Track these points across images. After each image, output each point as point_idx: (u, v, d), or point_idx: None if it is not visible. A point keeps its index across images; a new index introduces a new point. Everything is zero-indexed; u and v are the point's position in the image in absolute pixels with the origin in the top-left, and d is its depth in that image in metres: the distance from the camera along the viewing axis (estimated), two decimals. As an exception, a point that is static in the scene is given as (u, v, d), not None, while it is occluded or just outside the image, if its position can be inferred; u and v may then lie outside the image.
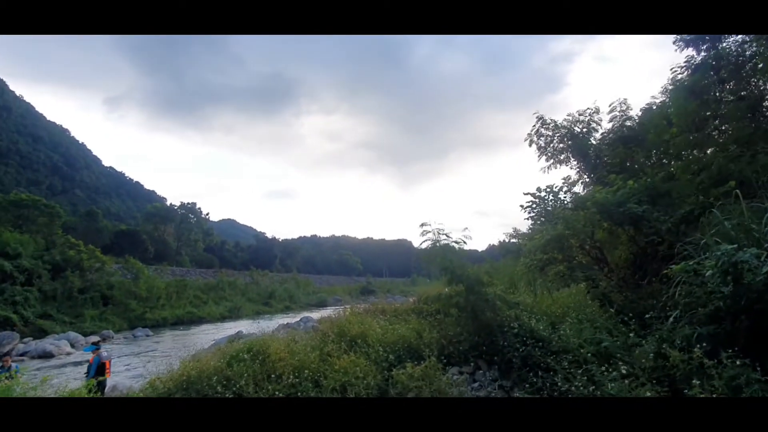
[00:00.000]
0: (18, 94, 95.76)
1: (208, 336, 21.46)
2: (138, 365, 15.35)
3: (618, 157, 10.81)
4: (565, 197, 9.49)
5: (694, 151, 9.13)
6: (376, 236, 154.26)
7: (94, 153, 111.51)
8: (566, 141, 12.48)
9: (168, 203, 72.33)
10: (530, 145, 12.91)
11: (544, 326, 6.97)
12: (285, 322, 19.78)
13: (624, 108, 11.89)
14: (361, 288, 61.16)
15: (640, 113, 11.79)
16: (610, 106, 11.97)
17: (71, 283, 26.68)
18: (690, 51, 9.69)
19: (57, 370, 15.10)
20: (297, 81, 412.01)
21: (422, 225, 8.01)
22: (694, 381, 3.97)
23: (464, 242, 7.91)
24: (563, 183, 10.68)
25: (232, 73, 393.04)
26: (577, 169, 12.56)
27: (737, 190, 5.74)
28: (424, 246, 8.06)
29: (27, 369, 14.72)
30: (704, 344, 4.35)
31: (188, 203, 64.55)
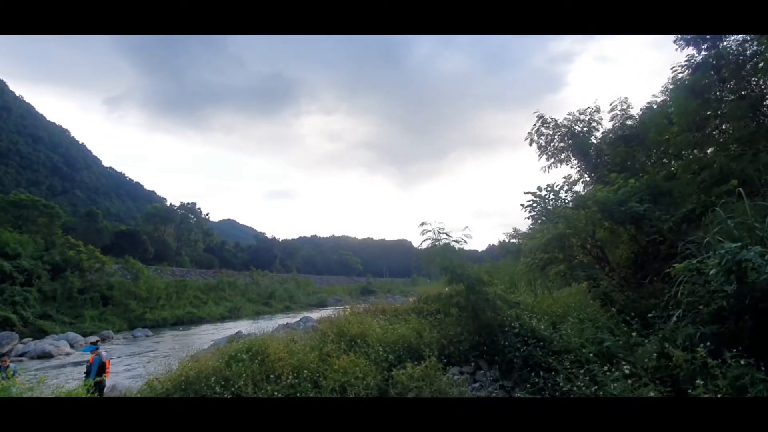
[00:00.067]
0: (18, 95, 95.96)
1: (208, 336, 21.41)
2: (137, 365, 15.30)
3: (619, 156, 10.78)
4: (565, 196, 9.44)
5: (695, 151, 9.09)
6: (376, 236, 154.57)
7: (94, 153, 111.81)
8: (567, 140, 12.46)
9: (168, 203, 72.40)
10: (531, 144, 12.88)
11: (545, 326, 6.93)
12: (285, 322, 19.73)
13: (625, 107, 11.87)
14: (361, 288, 61.12)
15: (640, 112, 11.78)
16: (610, 105, 11.97)
17: (71, 284, 26.66)
18: (690, 50, 9.66)
19: (56, 371, 15.03)
20: (297, 81, 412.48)
21: (422, 224, 7.98)
22: (698, 381, 3.92)
23: (464, 241, 7.88)
24: (564, 182, 10.63)
25: (231, 73, 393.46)
26: (578, 169, 12.54)
27: (740, 189, 5.70)
28: (424, 246, 8.02)
29: (25, 369, 14.69)
30: (708, 344, 4.30)
31: (188, 203, 64.57)
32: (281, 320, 24.38)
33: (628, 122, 11.70)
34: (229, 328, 23.77)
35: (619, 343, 5.62)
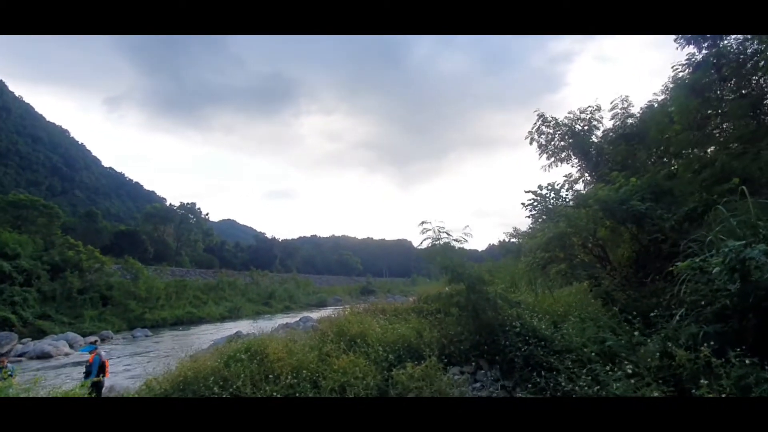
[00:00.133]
0: (17, 95, 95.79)
1: (208, 336, 21.37)
2: (136, 366, 15.26)
3: (620, 155, 10.74)
4: (566, 195, 9.40)
5: (695, 150, 9.06)
6: (376, 236, 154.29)
7: (94, 153, 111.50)
8: (567, 139, 12.42)
9: (168, 203, 72.37)
10: (531, 143, 12.84)
11: (546, 325, 6.88)
12: (284, 322, 19.70)
13: (625, 105, 11.84)
14: (361, 288, 61.07)
15: (641, 111, 11.74)
16: (611, 103, 11.94)
17: (70, 284, 26.61)
18: (691, 49, 9.64)
19: (55, 371, 15.00)
20: (296, 81, 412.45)
21: (422, 223, 7.94)
22: (701, 381, 3.87)
23: (465, 240, 7.84)
24: (565, 180, 10.59)
25: (231, 73, 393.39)
26: (579, 168, 12.50)
27: (743, 187, 5.65)
28: (424, 245, 7.99)
29: (22, 370, 14.64)
30: (711, 343, 4.25)
31: (188, 203, 64.52)
32: (281, 320, 24.34)
33: (629, 121, 11.67)
34: (229, 328, 23.72)
35: (621, 342, 5.57)
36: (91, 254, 29.64)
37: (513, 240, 18.45)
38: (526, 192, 9.25)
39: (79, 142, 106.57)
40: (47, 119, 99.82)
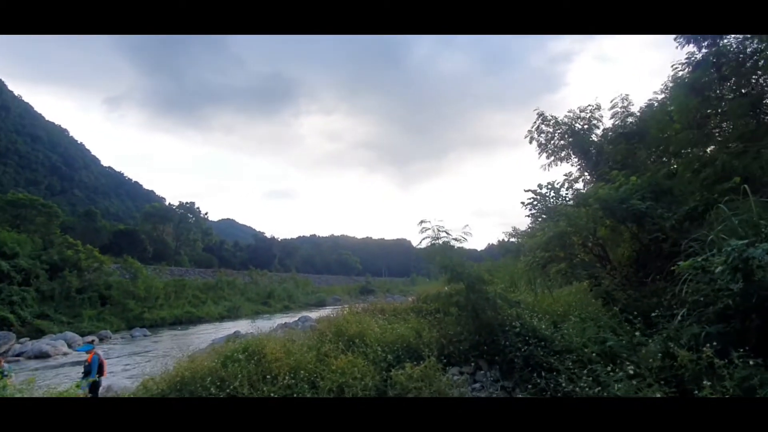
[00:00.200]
0: (17, 94, 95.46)
1: (207, 336, 21.33)
2: (134, 365, 15.21)
3: (620, 154, 10.70)
4: (566, 194, 9.36)
5: (694, 149, 9.02)
6: (376, 236, 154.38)
7: (93, 153, 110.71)
8: (567, 138, 12.39)
9: (167, 203, 72.31)
10: (531, 142, 12.81)
11: (546, 325, 6.84)
12: (283, 322, 19.65)
13: (626, 104, 11.80)
14: (361, 287, 61.06)
15: (640, 111, 11.70)
16: (611, 102, 11.89)
17: (69, 283, 26.56)
18: (691, 48, 9.59)
19: (53, 371, 14.95)
20: (296, 81, 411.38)
21: (421, 222, 7.89)
22: (704, 382, 3.82)
23: (464, 239, 7.79)
24: (565, 179, 10.55)
25: (231, 73, 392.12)
26: (578, 167, 12.47)
27: (745, 186, 5.60)
28: (423, 244, 7.94)
29: (20, 369, 14.58)
30: (714, 343, 4.20)
31: (187, 203, 64.49)
32: (280, 320, 24.29)
33: (629, 119, 11.63)
34: (228, 328, 23.68)
35: (622, 342, 5.52)
36: (90, 253, 29.58)
37: (512, 240, 18.43)
38: (525, 191, 9.22)
39: (79, 142, 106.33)
40: (46, 118, 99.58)
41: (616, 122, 11.89)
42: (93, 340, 19.20)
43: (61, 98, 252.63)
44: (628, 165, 10.19)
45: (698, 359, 4.26)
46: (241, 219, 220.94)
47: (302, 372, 5.99)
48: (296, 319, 23.23)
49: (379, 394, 5.83)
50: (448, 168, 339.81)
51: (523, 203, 9.26)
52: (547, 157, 12.66)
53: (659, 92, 11.32)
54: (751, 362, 3.86)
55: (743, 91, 8.52)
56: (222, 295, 38.77)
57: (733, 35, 8.61)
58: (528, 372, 6.05)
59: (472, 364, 6.77)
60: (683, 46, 9.70)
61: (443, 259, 7.42)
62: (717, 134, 9.02)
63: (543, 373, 5.80)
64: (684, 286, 5.20)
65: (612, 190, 7.65)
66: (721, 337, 4.42)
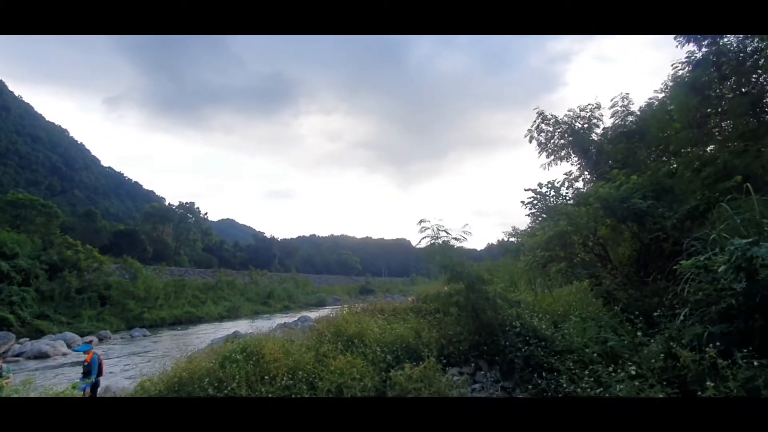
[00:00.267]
0: (17, 95, 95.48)
1: (206, 336, 21.29)
2: (133, 366, 15.17)
3: (620, 153, 10.66)
4: (566, 193, 9.31)
5: (694, 148, 8.98)
6: (375, 236, 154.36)
7: (93, 153, 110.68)
8: (567, 137, 12.35)
9: (167, 203, 72.26)
10: (530, 141, 12.77)
11: (546, 325, 6.79)
12: (283, 322, 19.61)
13: (626, 103, 11.75)
14: (360, 287, 61.02)
15: (641, 109, 11.65)
16: (611, 100, 11.85)
17: (69, 283, 26.51)
18: (691, 46, 9.55)
19: (52, 371, 14.91)
20: (296, 81, 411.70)
21: (421, 222, 7.84)
22: (708, 383, 3.77)
23: (464, 239, 7.74)
24: (565, 178, 10.50)
25: (231, 73, 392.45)
26: (578, 166, 12.43)
27: (748, 184, 5.55)
28: (423, 243, 7.89)
29: (20, 370, 14.54)
30: (717, 344, 4.15)
31: (187, 203, 64.45)
32: (279, 320, 24.26)
33: (629, 118, 11.58)
34: (228, 328, 23.64)
35: (623, 342, 5.46)
36: (90, 254, 29.54)
37: (512, 239, 18.36)
38: (526, 190, 9.17)
39: (79, 142, 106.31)
40: (47, 119, 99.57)
41: (617, 121, 11.85)
42: (91, 341, 19.18)
43: (61, 98, 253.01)
44: (628, 164, 10.14)
45: (701, 360, 4.20)
46: (241, 219, 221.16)
47: (301, 373, 5.94)
48: (296, 319, 23.19)
49: (378, 394, 5.79)
50: (447, 168, 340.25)
51: (523, 202, 9.21)
52: (547, 157, 12.63)
53: (659, 91, 11.30)
54: (755, 363, 3.80)
55: (743, 90, 8.48)
56: (222, 295, 38.73)
57: (733, 35, 8.57)
58: (528, 372, 6.00)
59: (472, 364, 6.72)
60: (683, 45, 9.66)
61: (443, 258, 7.38)
62: (717, 133, 8.99)
63: (544, 374, 5.75)
64: (686, 285, 5.14)
65: (612, 189, 7.60)
66: (724, 337, 4.36)
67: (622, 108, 11.72)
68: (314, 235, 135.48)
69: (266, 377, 5.85)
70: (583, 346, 5.81)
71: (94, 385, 7.87)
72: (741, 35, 8.36)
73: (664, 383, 4.39)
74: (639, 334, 5.39)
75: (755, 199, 5.25)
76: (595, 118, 12.25)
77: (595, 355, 5.53)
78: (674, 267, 5.51)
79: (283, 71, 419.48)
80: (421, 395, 5.44)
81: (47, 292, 25.44)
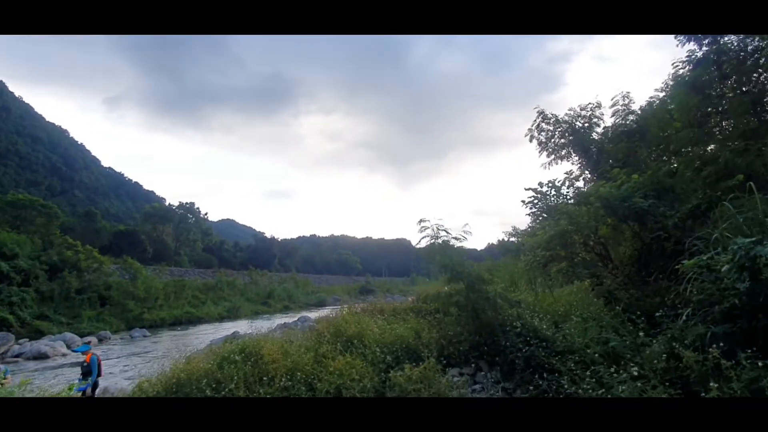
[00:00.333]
0: (17, 95, 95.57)
1: (206, 336, 21.25)
2: (133, 366, 15.13)
3: (620, 152, 10.61)
4: (567, 192, 9.26)
5: (695, 148, 8.94)
6: (375, 236, 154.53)
7: (93, 153, 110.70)
8: (567, 136, 12.29)
9: (167, 203, 72.30)
10: (531, 141, 12.71)
11: (547, 325, 6.74)
12: (283, 322, 19.58)
13: (626, 102, 11.69)
14: (360, 287, 60.99)
15: (642, 108, 11.60)
16: (612, 99, 11.79)
17: (68, 284, 26.49)
18: (692, 45, 9.50)
19: (51, 372, 14.88)
20: (296, 81, 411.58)
21: (420, 221, 7.79)
22: (711, 384, 3.72)
23: (464, 238, 7.68)
24: (565, 178, 10.45)
25: (231, 73, 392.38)
26: (579, 165, 12.37)
27: (751, 183, 5.50)
28: (422, 243, 7.84)
29: (20, 371, 14.51)
30: (720, 344, 4.10)
31: (187, 203, 64.46)
32: (279, 320, 24.23)
33: (630, 117, 11.53)
34: (227, 328, 23.61)
35: (625, 343, 5.41)
36: (90, 254, 29.52)
37: (512, 239, 18.32)
38: (526, 189, 9.11)
39: (79, 142, 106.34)
40: (47, 119, 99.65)
41: (617, 120, 11.79)
42: (90, 341, 19.15)
43: (61, 99, 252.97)
44: (629, 163, 10.09)
45: (704, 360, 4.16)
46: (241, 219, 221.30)
47: (299, 374, 5.90)
48: (296, 319, 23.16)
49: (377, 395, 5.74)
50: (447, 168, 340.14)
51: (523, 202, 9.16)
52: (548, 156, 12.56)
53: (660, 90, 11.24)
54: (759, 363, 3.75)
55: (744, 89, 8.45)
56: (222, 296, 38.71)
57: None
58: (529, 373, 5.95)
59: (473, 365, 6.67)
60: (683, 44, 9.60)
61: (443, 258, 7.33)
62: (718, 132, 8.95)
63: (545, 375, 5.71)
64: (688, 285, 5.09)
65: (613, 188, 7.55)
66: (728, 338, 4.31)
67: (623, 107, 11.66)
68: (314, 235, 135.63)
69: (264, 378, 5.81)
70: (585, 347, 5.77)
71: (93, 386, 7.83)
72: (741, 35, 8.32)
73: (667, 384, 4.35)
74: (641, 334, 5.34)
75: (758, 198, 5.20)
76: (596, 117, 12.19)
77: (596, 355, 5.48)
78: (676, 266, 5.47)
79: (283, 71, 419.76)
80: (421, 396, 5.39)
81: (47, 293, 25.42)
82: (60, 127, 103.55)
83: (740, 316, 4.45)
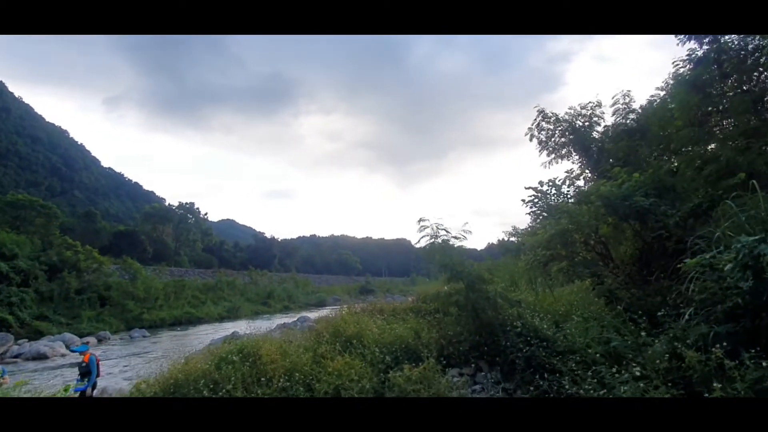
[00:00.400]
0: (17, 96, 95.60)
1: (205, 337, 21.21)
2: (132, 367, 15.09)
3: (621, 151, 10.57)
4: (567, 191, 9.21)
5: (695, 147, 8.90)
6: (376, 236, 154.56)
7: (93, 154, 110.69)
8: (568, 135, 12.25)
9: (167, 203, 72.29)
10: (531, 140, 12.66)
11: (547, 325, 6.69)
12: (282, 322, 19.54)
13: (627, 101, 11.65)
14: (360, 287, 60.96)
15: (642, 107, 11.56)
16: (613, 98, 11.75)
17: (68, 284, 26.47)
18: (692, 44, 9.46)
19: (50, 372, 14.84)
20: (296, 81, 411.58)
21: (420, 221, 7.73)
22: (714, 384, 3.66)
23: (464, 237, 7.63)
24: (566, 176, 10.41)
25: (231, 73, 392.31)
26: (579, 164, 12.33)
27: (754, 181, 5.45)
28: (422, 242, 7.78)
29: (19, 371, 14.48)
30: (723, 344, 4.05)
31: (187, 203, 64.48)
32: (279, 320, 24.19)
33: (631, 116, 11.49)
34: (227, 329, 23.57)
35: (626, 343, 5.36)
36: (90, 254, 29.49)
37: (512, 239, 18.27)
38: (526, 188, 9.06)
39: (79, 143, 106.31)
40: (47, 120, 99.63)
41: (618, 119, 11.75)
42: (88, 342, 19.11)
43: (61, 99, 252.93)
44: (629, 162, 10.04)
45: (707, 360, 4.10)
46: (241, 219, 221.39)
47: (297, 374, 5.85)
48: (295, 319, 23.12)
49: (376, 396, 5.69)
50: (447, 168, 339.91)
51: (523, 200, 9.10)
52: (548, 155, 12.52)
53: (660, 89, 11.20)
54: (763, 363, 3.70)
55: (745, 87, 8.42)
56: (222, 296, 38.69)
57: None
58: (530, 373, 5.90)
59: (473, 365, 6.62)
60: (684, 43, 9.57)
61: (443, 257, 7.28)
62: (718, 131, 8.91)
63: (545, 375, 5.66)
64: (690, 284, 5.04)
65: (614, 186, 7.50)
66: (731, 337, 4.26)
67: (624, 106, 11.62)
68: (314, 235, 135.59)
69: (263, 379, 5.76)
70: (586, 347, 5.72)
71: (92, 386, 7.79)
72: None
73: (669, 384, 4.30)
74: (643, 334, 5.28)
75: (761, 196, 5.15)
76: (596, 116, 12.16)
77: (598, 355, 5.43)
78: (678, 265, 5.41)
79: (283, 71, 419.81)
80: (421, 396, 5.35)
81: (46, 293, 25.39)
82: (60, 127, 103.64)
83: (743, 316, 4.39)
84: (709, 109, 8.74)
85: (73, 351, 14.24)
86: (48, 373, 14.67)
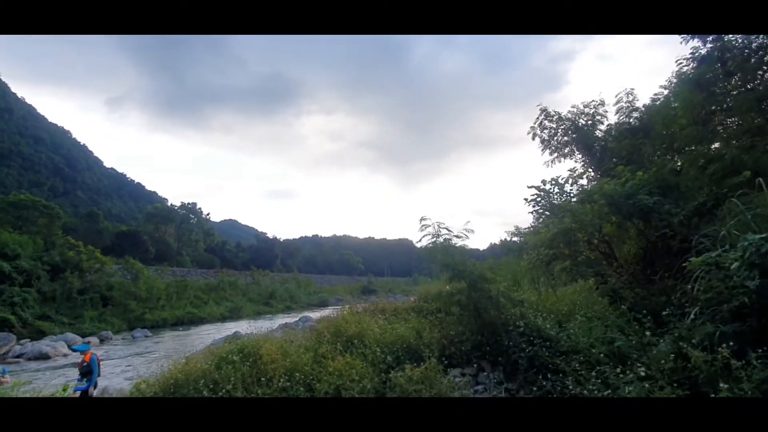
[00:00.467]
0: (20, 96, 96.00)
1: (208, 337, 21.21)
2: (134, 367, 15.09)
3: (624, 149, 10.51)
4: (570, 190, 9.14)
5: (699, 146, 8.83)
6: (378, 236, 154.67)
7: (96, 154, 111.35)
8: (570, 134, 12.18)
9: (169, 204, 72.45)
10: (533, 138, 12.60)
11: (550, 325, 6.63)
12: (284, 322, 19.53)
13: (630, 99, 11.58)
14: (363, 287, 60.90)
15: (646, 106, 11.49)
16: (616, 97, 11.68)
17: (70, 284, 26.52)
18: (696, 43, 9.39)
19: (52, 372, 14.86)
20: (297, 81, 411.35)
21: (422, 220, 7.68)
22: (721, 384, 3.61)
23: (466, 237, 7.57)
24: (569, 175, 10.34)
25: (232, 73, 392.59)
26: (582, 163, 12.26)
27: (760, 179, 5.38)
28: (424, 242, 7.73)
29: (18, 371, 14.50)
30: (730, 343, 3.99)
31: (189, 204, 64.69)
32: (281, 320, 24.19)
33: (634, 115, 11.42)
34: (229, 329, 23.57)
35: (631, 342, 5.30)
36: (92, 255, 29.56)
37: (515, 238, 18.22)
38: (529, 187, 8.99)
39: (81, 143, 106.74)
40: (49, 120, 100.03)
41: (621, 118, 11.69)
42: (89, 341, 19.14)
43: (62, 99, 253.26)
44: (633, 161, 9.98)
45: (713, 360, 4.05)
46: (243, 219, 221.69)
47: (298, 374, 5.81)
48: (297, 319, 23.12)
49: (377, 396, 5.65)
50: (449, 167, 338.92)
51: (526, 199, 9.04)
52: (551, 154, 12.46)
53: (664, 88, 11.13)
54: (771, 363, 3.65)
55: (749, 86, 8.37)
56: (224, 296, 38.73)
57: None
58: (533, 374, 5.84)
59: (475, 365, 6.56)
60: (687, 42, 9.50)
61: (444, 257, 7.23)
62: (722, 130, 8.85)
63: (548, 375, 5.60)
64: (695, 283, 4.98)
65: (618, 185, 7.44)
66: (737, 337, 4.20)
67: (627, 104, 11.56)
68: (316, 235, 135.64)
69: (263, 379, 5.72)
70: (590, 347, 5.66)
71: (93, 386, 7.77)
72: None
73: (675, 385, 4.24)
74: (647, 333, 5.22)
75: (767, 194, 5.08)
76: (599, 114, 12.09)
77: (601, 355, 5.37)
78: (683, 264, 5.35)
79: (283, 71, 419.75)
80: (422, 397, 5.30)
81: (49, 293, 25.46)
82: (62, 128, 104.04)
83: (750, 315, 4.33)
84: (713, 107, 8.69)
85: (74, 350, 14.27)
86: (50, 373, 14.69)
